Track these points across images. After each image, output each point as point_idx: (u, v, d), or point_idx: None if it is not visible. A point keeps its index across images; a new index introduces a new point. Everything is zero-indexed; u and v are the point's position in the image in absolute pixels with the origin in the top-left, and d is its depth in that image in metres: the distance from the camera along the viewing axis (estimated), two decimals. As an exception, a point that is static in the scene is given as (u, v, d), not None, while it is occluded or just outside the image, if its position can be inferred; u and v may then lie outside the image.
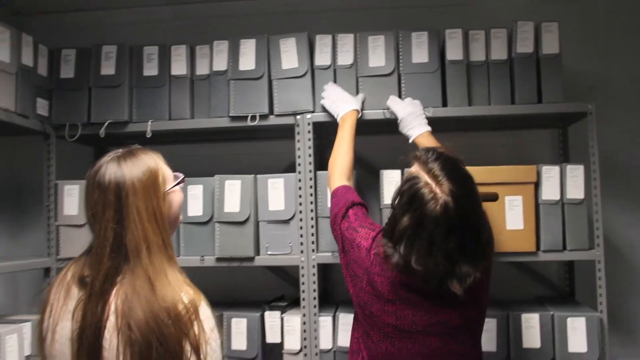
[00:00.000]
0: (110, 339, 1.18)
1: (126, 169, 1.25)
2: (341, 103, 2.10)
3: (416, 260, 1.42)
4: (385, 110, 2.14)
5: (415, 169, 1.51)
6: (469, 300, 1.53)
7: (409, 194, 1.46)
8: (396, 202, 1.51)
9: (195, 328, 1.20)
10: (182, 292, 1.22)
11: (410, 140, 2.04)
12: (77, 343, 1.20)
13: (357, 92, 2.19)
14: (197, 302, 1.22)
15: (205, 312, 1.23)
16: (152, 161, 1.29)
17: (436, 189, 1.43)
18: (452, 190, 1.42)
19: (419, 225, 1.43)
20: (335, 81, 2.21)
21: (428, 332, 1.54)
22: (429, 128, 2.03)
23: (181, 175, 1.36)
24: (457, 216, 1.41)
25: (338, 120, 2.09)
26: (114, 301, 1.20)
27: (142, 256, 1.21)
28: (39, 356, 1.30)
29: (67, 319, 1.23)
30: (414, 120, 2.04)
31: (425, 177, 1.46)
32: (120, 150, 1.30)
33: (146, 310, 1.17)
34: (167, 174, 1.32)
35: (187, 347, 1.18)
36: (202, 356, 1.20)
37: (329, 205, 2.05)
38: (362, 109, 2.15)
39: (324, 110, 2.18)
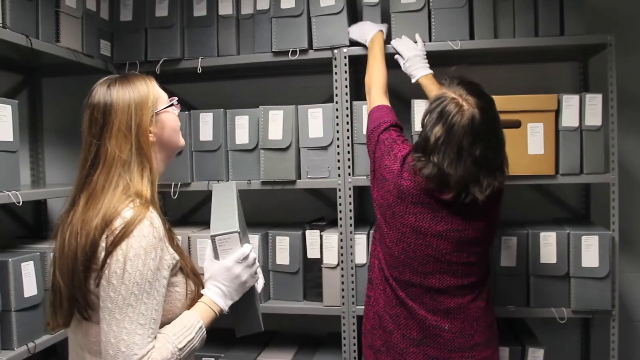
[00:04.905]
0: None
1: (114, 90, 1.28)
2: (367, 29, 2.23)
3: (448, 165, 1.58)
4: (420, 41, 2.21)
5: (442, 91, 1.67)
6: (482, 213, 1.68)
7: (439, 109, 1.62)
8: (426, 119, 1.66)
9: (120, 245, 1.17)
10: (121, 207, 1.21)
11: (413, 80, 2.14)
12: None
13: (391, 29, 2.28)
14: (135, 219, 1.19)
15: (142, 231, 1.18)
16: (142, 83, 1.32)
17: (462, 103, 1.60)
18: (477, 103, 1.59)
19: (449, 134, 1.58)
20: (364, 19, 2.31)
21: (442, 237, 1.69)
22: (431, 71, 2.12)
23: (175, 99, 1.39)
24: (482, 127, 1.58)
25: (367, 44, 2.20)
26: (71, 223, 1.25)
27: (99, 168, 1.25)
28: None
29: None
30: (418, 62, 2.13)
31: (451, 95, 1.62)
32: (116, 75, 1.35)
33: (78, 219, 1.22)
34: (160, 97, 1.34)
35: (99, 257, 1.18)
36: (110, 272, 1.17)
37: (364, 132, 2.16)
38: (388, 33, 2.25)
39: (352, 44, 2.28)
